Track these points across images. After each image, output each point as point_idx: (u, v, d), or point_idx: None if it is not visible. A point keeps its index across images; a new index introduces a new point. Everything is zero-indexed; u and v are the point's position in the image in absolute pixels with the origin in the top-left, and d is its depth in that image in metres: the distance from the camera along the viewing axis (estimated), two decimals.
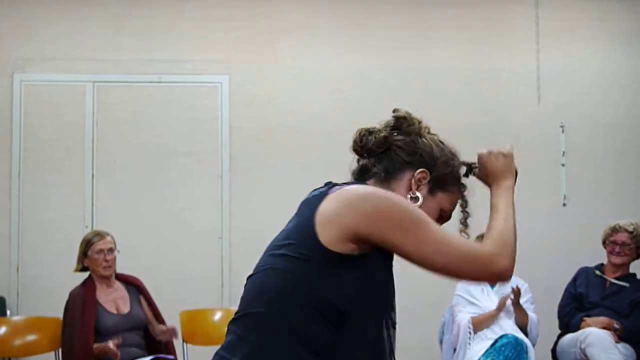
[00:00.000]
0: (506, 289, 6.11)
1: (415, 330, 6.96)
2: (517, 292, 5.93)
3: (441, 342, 6.26)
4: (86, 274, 5.64)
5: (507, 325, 5.96)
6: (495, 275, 2.03)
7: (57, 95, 7.30)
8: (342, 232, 1.95)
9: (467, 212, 2.30)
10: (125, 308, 5.50)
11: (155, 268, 6.75)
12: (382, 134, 2.21)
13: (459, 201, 2.29)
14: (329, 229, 1.96)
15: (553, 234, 7.49)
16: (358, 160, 2.27)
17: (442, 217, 2.25)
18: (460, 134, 7.40)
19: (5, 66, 7.27)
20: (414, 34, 7.53)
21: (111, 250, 5.57)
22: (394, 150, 2.20)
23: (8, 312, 6.94)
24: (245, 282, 2.15)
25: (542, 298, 6.48)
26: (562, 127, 7.66)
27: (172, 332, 5.45)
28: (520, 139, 7.54)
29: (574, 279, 6.31)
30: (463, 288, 6.20)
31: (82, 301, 5.40)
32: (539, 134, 7.63)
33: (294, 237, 2.02)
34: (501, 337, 5.85)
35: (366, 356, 2.01)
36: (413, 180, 2.18)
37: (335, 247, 1.95)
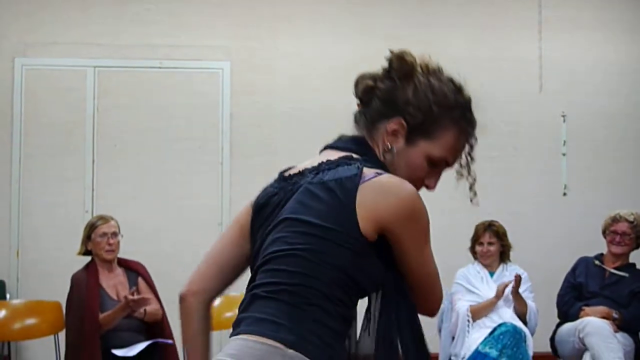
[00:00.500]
0: (505, 277, 6.12)
1: None
2: (518, 280, 5.94)
3: (440, 331, 6.27)
4: (87, 259, 5.66)
5: (506, 314, 5.97)
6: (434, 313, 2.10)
7: (58, 80, 7.29)
8: (377, 225, 1.89)
9: (469, 156, 2.17)
10: (125, 293, 5.51)
11: (155, 253, 6.75)
12: (365, 82, 2.10)
13: (465, 144, 2.14)
14: (367, 219, 1.88)
15: (553, 223, 7.49)
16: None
17: (436, 164, 2.08)
18: None
19: (7, 50, 7.26)
20: (416, 22, 7.52)
21: (115, 234, 5.61)
22: (375, 99, 2.07)
23: (8, 296, 6.95)
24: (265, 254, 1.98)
25: (541, 287, 6.48)
26: (563, 116, 7.66)
27: (142, 302, 5.39)
28: (521, 127, 7.55)
29: (574, 269, 6.32)
30: (462, 276, 6.20)
31: (85, 285, 5.43)
32: (540, 123, 7.63)
33: (335, 222, 1.88)
34: (500, 325, 5.85)
35: None
36: (386, 133, 2.04)
37: (370, 237, 1.89)
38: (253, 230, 2.04)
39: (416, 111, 2.03)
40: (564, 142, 7.65)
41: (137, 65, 7.35)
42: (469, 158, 2.16)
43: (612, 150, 7.67)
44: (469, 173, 2.19)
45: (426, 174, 2.08)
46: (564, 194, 7.60)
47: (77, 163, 7.22)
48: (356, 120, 2.11)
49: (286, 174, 2.07)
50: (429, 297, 2.01)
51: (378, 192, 1.90)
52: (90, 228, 5.63)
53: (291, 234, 1.91)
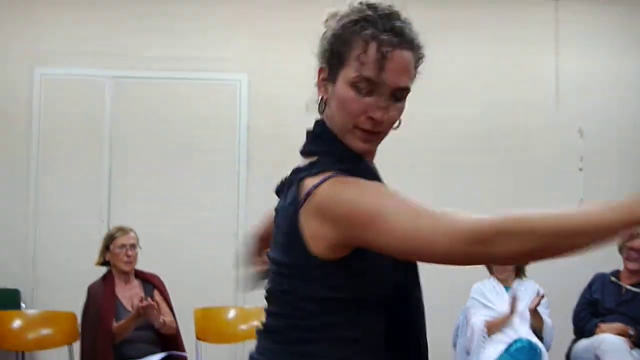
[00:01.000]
0: (521, 292, 6.09)
1: (428, 333, 6.94)
2: (539, 298, 5.91)
3: (454, 345, 6.24)
4: (103, 269, 5.67)
5: (522, 329, 5.94)
6: (471, 257, 1.62)
7: (77, 90, 7.32)
8: (327, 243, 1.78)
9: (383, 52, 1.82)
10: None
11: (170, 264, 6.75)
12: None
13: (380, 49, 1.82)
14: (316, 242, 1.79)
15: None
16: None
17: (366, 88, 1.82)
18: (478, 138, 7.43)
19: (26, 60, 7.31)
20: (432, 37, 7.48)
21: (133, 246, 5.62)
22: None
23: (23, 305, 6.97)
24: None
25: (557, 303, 6.45)
26: (580, 131, 7.63)
27: (151, 308, 5.28)
28: (538, 143, 7.53)
29: (590, 285, 6.29)
30: (478, 291, 6.18)
31: (102, 296, 5.44)
32: (557, 139, 7.61)
33: (292, 256, 1.84)
34: (515, 341, 5.83)
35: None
36: (317, 91, 1.94)
37: (331, 255, 1.79)
38: None
39: (325, 50, 1.90)
40: (581, 157, 7.62)
41: (154, 76, 7.37)
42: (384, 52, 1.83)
43: (629, 165, 7.63)
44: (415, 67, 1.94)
45: (364, 105, 1.83)
46: None
47: (93, 173, 7.24)
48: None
49: (279, 190, 2.03)
50: (432, 249, 1.63)
51: (312, 214, 1.79)
52: (109, 239, 5.65)
53: (272, 274, 1.95)
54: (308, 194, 1.79)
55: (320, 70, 1.91)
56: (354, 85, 1.82)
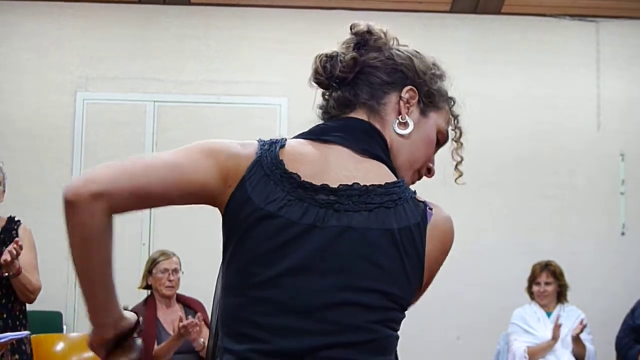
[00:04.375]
0: (563, 317, 6.04)
1: (469, 358, 6.90)
2: (582, 326, 5.85)
3: None
4: (145, 293, 5.70)
5: (564, 356, 5.89)
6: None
7: (119, 114, 7.40)
8: None
9: (459, 129, 1.90)
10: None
11: (210, 289, 6.76)
12: (349, 55, 1.82)
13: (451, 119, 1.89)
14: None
15: (611, 263, 7.38)
16: (324, 95, 1.92)
17: (439, 140, 1.87)
18: (518, 161, 7.40)
19: (69, 84, 7.40)
20: (474, 60, 7.50)
21: (176, 270, 5.65)
22: (369, 72, 1.82)
23: (64, 328, 7.01)
24: None
25: (599, 329, 6.39)
26: (621, 155, 7.57)
27: (194, 326, 5.19)
28: (579, 166, 7.48)
29: (633, 311, 6.22)
30: (519, 316, 6.14)
31: (143, 320, 5.45)
32: (598, 162, 7.55)
33: (405, 287, 1.68)
34: None
35: None
36: (402, 102, 1.80)
37: None
38: None
39: (430, 79, 1.85)
40: (623, 181, 7.55)
41: (195, 101, 7.43)
42: (458, 131, 1.92)
43: None
44: (461, 146, 1.93)
45: (432, 155, 1.87)
46: (623, 234, 7.49)
47: None
48: (342, 105, 1.83)
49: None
50: None
51: (434, 237, 1.70)
52: (152, 263, 5.68)
53: (370, 311, 1.71)
54: (425, 213, 1.69)
55: (413, 90, 1.82)
56: (439, 133, 1.86)
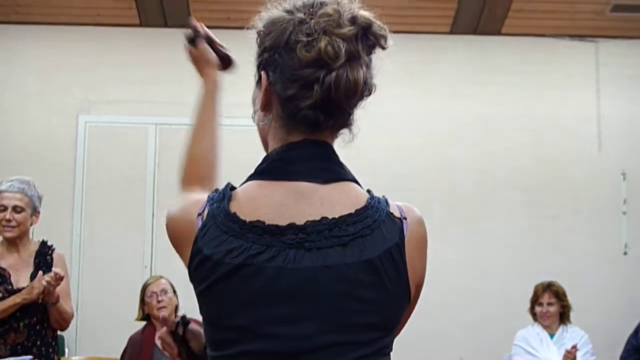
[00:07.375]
0: (566, 339, 6.03)
1: None
2: (574, 351, 5.80)
3: None
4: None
5: None
6: None
7: (120, 137, 7.42)
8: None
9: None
10: None
11: None
12: None
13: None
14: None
15: (614, 282, 7.38)
16: None
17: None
18: (519, 181, 7.40)
19: (71, 108, 7.42)
20: (475, 81, 7.52)
21: (164, 291, 5.56)
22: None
23: (67, 351, 7.00)
24: None
25: (602, 349, 6.37)
26: (623, 174, 7.58)
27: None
28: (580, 186, 7.49)
29: (636, 331, 6.21)
30: (522, 338, 6.13)
31: (139, 346, 5.44)
32: (600, 182, 7.56)
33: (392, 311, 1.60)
34: None
35: None
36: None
37: None
38: None
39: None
40: (624, 200, 7.56)
41: None
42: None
43: None
44: None
45: None
46: (625, 253, 7.49)
47: (137, 219, 7.30)
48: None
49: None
50: None
51: (412, 246, 1.61)
52: (143, 290, 5.64)
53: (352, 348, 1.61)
54: (402, 228, 1.59)
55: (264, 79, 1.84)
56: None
